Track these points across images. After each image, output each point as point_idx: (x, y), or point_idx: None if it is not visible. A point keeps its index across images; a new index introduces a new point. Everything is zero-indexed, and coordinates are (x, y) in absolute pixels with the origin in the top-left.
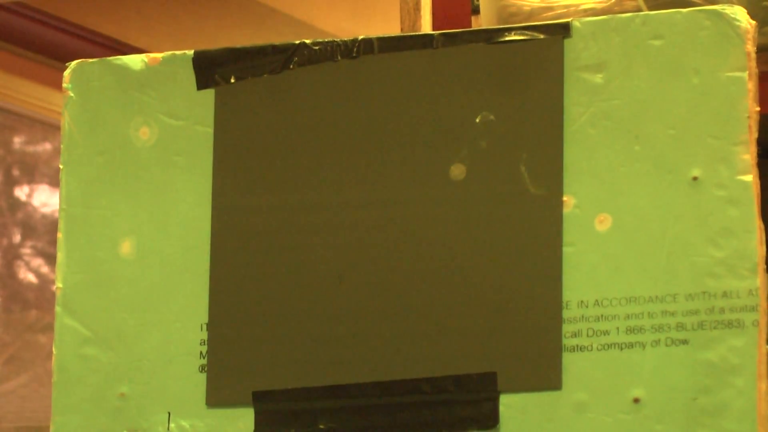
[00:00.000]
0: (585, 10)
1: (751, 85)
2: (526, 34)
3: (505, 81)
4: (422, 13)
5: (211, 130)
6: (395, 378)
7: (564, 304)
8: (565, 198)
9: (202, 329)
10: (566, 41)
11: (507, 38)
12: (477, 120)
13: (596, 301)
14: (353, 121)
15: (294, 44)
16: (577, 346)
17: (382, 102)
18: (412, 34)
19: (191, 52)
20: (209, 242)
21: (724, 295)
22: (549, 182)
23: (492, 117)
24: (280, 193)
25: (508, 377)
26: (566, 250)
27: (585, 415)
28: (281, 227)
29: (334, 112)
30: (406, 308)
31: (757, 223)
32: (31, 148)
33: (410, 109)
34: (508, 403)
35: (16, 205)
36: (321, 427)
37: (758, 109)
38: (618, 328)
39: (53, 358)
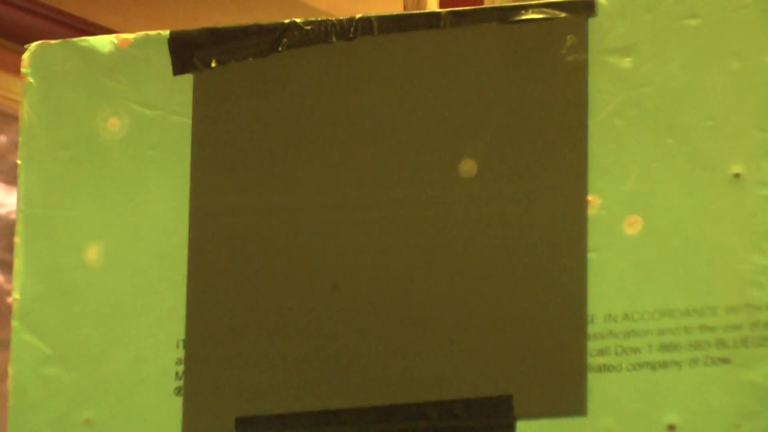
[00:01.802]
0: None
1: None
2: (546, 13)
3: (521, 66)
4: None
5: (189, 121)
6: (397, 402)
7: (589, 318)
8: (589, 198)
9: (178, 347)
10: (590, 20)
11: (524, 17)
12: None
13: (625, 314)
14: (350, 111)
15: (283, 24)
16: (604, 365)
17: (382, 90)
18: (416, 12)
19: (166, 33)
20: (187, 248)
21: None
22: (571, 180)
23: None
24: (267, 192)
25: (526, 401)
26: (591, 257)
27: None
28: (268, 231)
29: (327, 101)
30: (410, 323)
31: None
32: None
33: (414, 97)
34: (526, 431)
35: None
36: None
37: None
38: (650, 345)
39: (9, 379)
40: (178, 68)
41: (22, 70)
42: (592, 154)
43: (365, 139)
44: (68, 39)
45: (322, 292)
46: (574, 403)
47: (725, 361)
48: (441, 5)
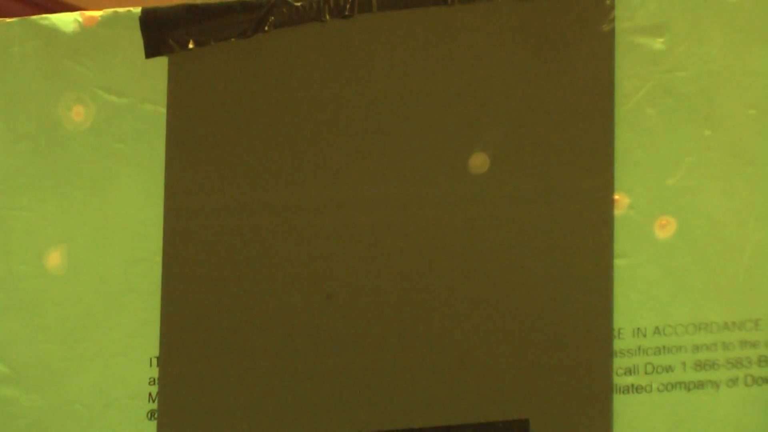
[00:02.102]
0: None
1: None
2: None
3: (539, 47)
4: None
5: (163, 110)
6: (399, 427)
7: (615, 333)
8: (616, 196)
9: (151, 365)
10: None
11: None
12: None
13: (656, 328)
14: (345, 99)
15: (270, 0)
16: (632, 386)
17: (381, 74)
18: None
19: (138, 10)
20: (161, 253)
21: None
22: (596, 176)
23: None
24: (251, 191)
25: (544, 426)
26: (618, 263)
27: None
28: (253, 234)
29: (320, 88)
30: (414, 338)
31: None
32: None
33: (417, 83)
34: None
35: None
36: None
37: None
38: (684, 363)
39: None
40: (152, 50)
41: None
42: (619, 147)
43: (362, 130)
44: (26, 17)
45: (314, 302)
46: (598, 428)
47: None
48: None
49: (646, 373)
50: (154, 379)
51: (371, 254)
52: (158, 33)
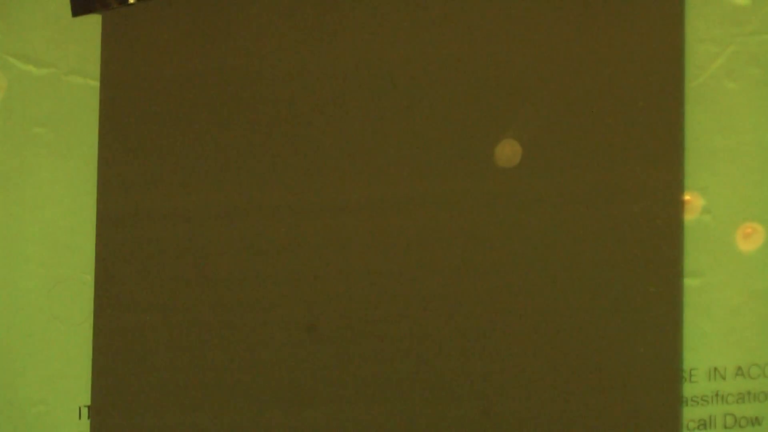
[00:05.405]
0: None
1: None
2: None
3: (585, 6)
4: None
5: (96, 83)
6: None
7: (686, 375)
8: (687, 197)
9: (80, 416)
10: None
11: None
12: None
13: (739, 368)
14: (335, 72)
15: None
16: None
17: (382, 41)
18: None
19: None
20: (93, 272)
21: None
22: (661, 171)
23: None
24: (209, 190)
25: None
26: (689, 285)
27: None
28: (212, 247)
29: (303, 58)
30: (423, 383)
31: None
32: None
33: (430, 51)
34: None
35: None
36: None
37: None
38: None
39: None
40: (80, 6)
41: None
42: (691, 133)
43: (356, 113)
44: None
45: (291, 335)
46: None
47: None
48: None
49: (725, 427)
50: None
51: (365, 273)
52: None
